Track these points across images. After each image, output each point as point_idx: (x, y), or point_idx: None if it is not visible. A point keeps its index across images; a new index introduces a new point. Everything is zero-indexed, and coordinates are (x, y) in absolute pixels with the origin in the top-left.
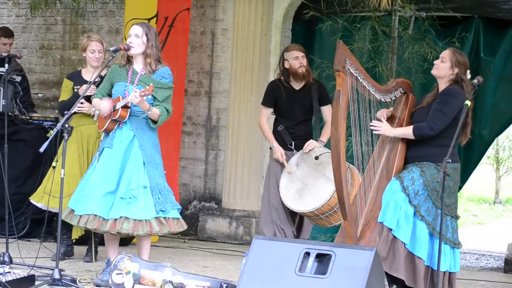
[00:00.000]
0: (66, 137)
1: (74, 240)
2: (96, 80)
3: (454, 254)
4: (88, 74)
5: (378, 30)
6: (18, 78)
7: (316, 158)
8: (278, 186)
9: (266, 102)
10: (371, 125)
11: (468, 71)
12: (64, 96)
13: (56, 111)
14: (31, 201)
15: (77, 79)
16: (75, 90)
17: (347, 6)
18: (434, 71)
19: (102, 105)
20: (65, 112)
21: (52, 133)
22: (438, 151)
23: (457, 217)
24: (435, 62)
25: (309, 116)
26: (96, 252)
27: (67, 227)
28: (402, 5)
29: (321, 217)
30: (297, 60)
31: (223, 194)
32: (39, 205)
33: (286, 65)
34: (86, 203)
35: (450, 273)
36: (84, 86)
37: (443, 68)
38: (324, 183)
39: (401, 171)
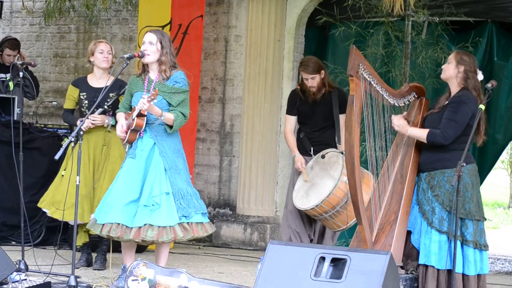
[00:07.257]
0: (75, 144)
1: (78, 247)
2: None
3: (481, 256)
4: (95, 80)
5: (391, 35)
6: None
7: (323, 156)
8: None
9: (288, 111)
10: (392, 118)
11: (480, 72)
12: (68, 104)
13: None
14: (41, 208)
15: (83, 85)
16: (84, 105)
17: (360, 11)
18: (442, 75)
19: (120, 119)
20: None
21: (66, 140)
22: (449, 156)
23: (480, 219)
24: (442, 66)
25: (329, 123)
26: (105, 259)
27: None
28: (415, 10)
29: (325, 216)
30: (307, 81)
31: (237, 200)
32: (47, 211)
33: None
34: (108, 212)
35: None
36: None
37: (449, 69)
38: (326, 181)
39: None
